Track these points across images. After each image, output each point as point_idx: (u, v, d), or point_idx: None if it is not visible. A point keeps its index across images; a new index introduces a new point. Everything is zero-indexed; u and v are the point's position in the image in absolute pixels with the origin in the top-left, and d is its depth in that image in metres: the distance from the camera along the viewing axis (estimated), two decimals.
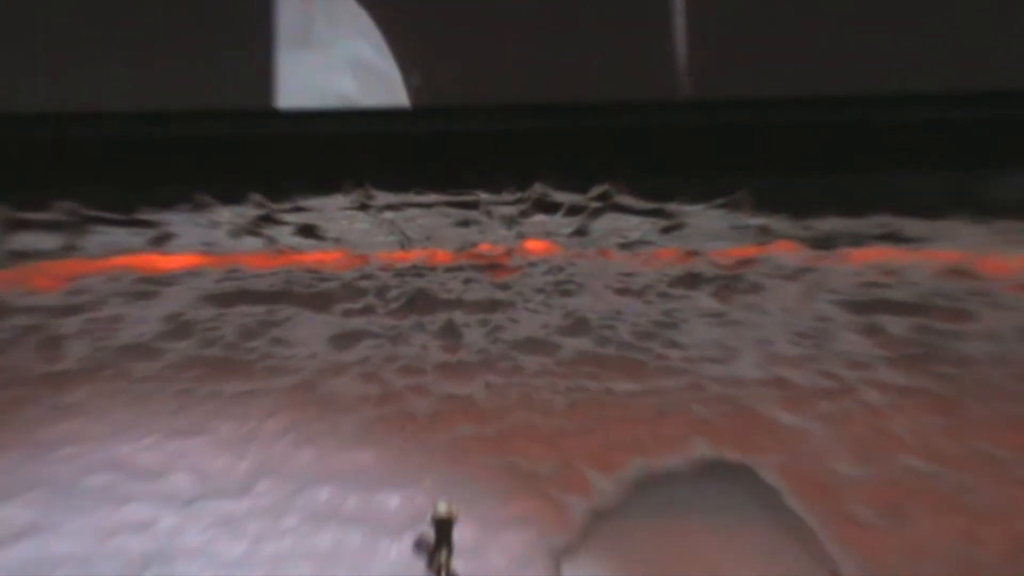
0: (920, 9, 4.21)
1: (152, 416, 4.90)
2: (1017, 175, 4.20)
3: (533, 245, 4.65)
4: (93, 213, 4.38)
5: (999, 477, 4.57)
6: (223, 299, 4.83)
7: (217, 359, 4.93)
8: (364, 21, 4.19)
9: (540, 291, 4.78)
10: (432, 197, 4.38)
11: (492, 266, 4.77)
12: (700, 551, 4.68)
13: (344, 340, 4.89)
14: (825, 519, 4.59)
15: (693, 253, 4.58)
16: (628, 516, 4.71)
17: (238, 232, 4.55)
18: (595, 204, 4.41)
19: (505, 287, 4.79)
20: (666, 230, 4.50)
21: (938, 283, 4.56)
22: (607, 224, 4.52)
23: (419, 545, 3.92)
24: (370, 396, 4.90)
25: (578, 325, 4.84)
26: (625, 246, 4.58)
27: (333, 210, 4.50)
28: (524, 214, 4.52)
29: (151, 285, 4.76)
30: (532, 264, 4.73)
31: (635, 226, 4.48)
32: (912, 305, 4.64)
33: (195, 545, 4.64)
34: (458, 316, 4.85)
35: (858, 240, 4.47)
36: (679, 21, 4.14)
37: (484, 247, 4.69)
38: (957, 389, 4.72)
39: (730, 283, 4.68)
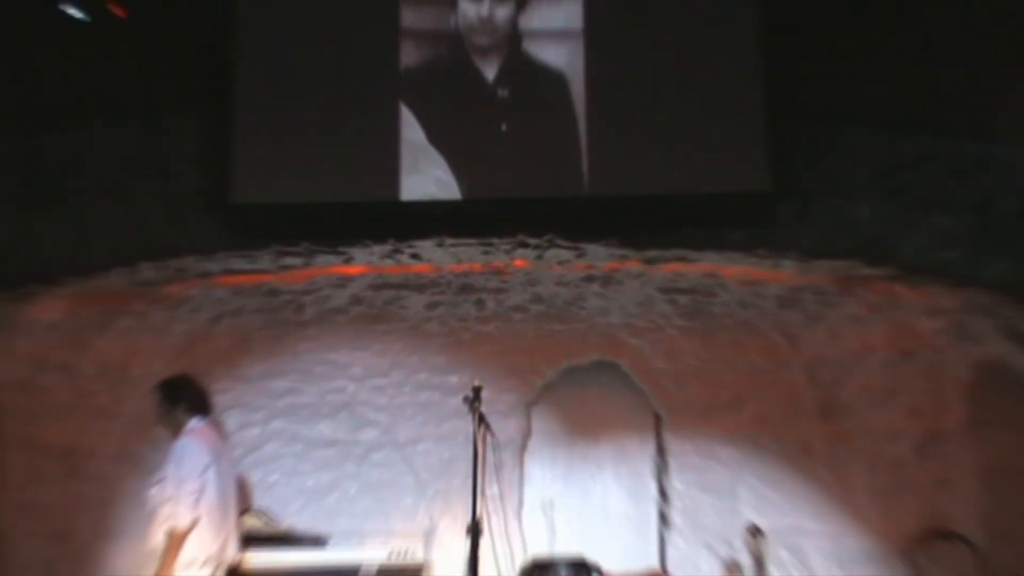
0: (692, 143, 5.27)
1: (344, 340, 6.85)
2: (732, 232, 5.30)
3: (518, 262, 5.77)
4: (316, 248, 5.44)
5: (728, 367, 6.68)
6: (376, 287, 6.32)
7: (373, 314, 6.70)
8: (440, 159, 5.25)
9: (521, 283, 6.21)
10: (471, 241, 5.43)
11: (499, 272, 5.99)
12: (594, 403, 6.84)
13: (431, 306, 6.60)
14: (650, 387, 6.73)
15: (591, 266, 5.73)
16: (561, 386, 6.84)
17: (383, 257, 5.62)
18: (545, 244, 5.39)
19: (505, 282, 6.18)
20: (578, 255, 5.55)
21: (701, 279, 5.99)
22: (551, 253, 5.52)
23: (465, 399, 4.99)
24: (442, 332, 6.80)
25: (538, 299, 6.47)
26: (560, 263, 5.70)
27: (426, 247, 5.49)
28: (513, 248, 5.49)
29: (343, 280, 6.16)
30: (517, 271, 5.94)
31: (564, 254, 5.55)
32: (689, 289, 6.19)
33: (364, 399, 6.76)
34: (483, 295, 6.44)
35: (667, 260, 5.57)
36: (584, 159, 5.18)
37: (495, 263, 5.83)
38: (709, 328, 6.60)
39: (607, 280, 5.99)
